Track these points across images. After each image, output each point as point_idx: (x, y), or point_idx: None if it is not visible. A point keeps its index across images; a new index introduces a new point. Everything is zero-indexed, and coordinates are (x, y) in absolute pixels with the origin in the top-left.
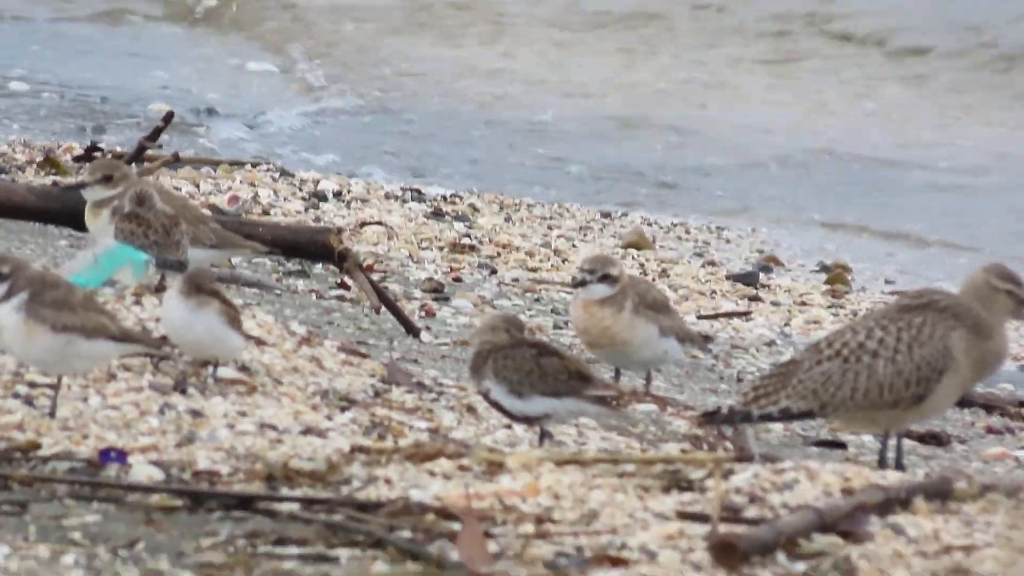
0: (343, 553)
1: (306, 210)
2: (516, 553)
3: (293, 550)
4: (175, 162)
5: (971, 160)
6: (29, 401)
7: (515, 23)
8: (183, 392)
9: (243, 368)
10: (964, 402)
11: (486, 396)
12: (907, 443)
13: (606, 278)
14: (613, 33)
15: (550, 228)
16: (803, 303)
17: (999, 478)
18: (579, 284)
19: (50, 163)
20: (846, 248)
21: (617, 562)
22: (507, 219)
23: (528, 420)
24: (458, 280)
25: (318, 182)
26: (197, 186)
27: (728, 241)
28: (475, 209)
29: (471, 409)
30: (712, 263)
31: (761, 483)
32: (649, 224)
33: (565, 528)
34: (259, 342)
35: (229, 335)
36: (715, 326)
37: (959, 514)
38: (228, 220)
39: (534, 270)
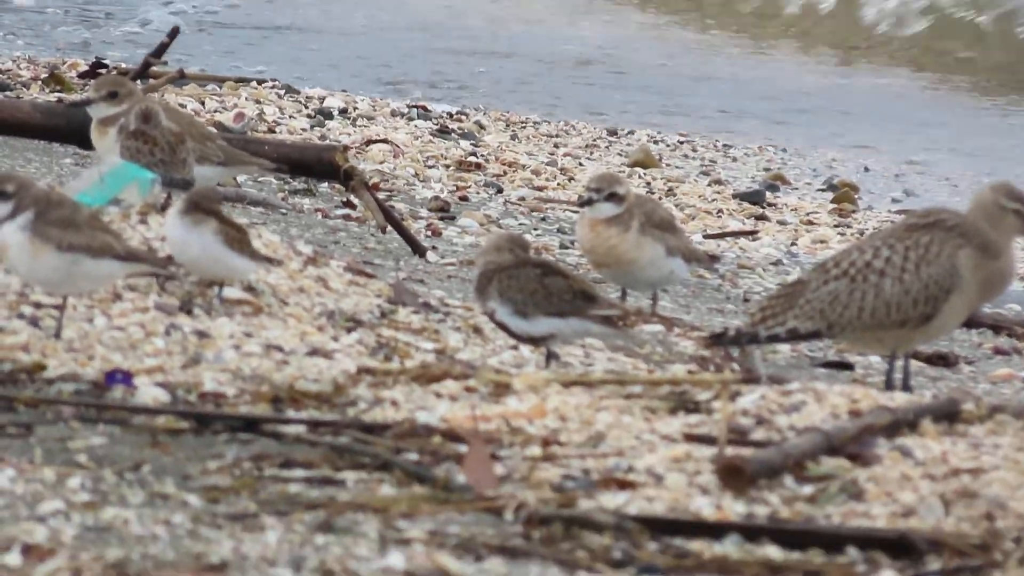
0: (349, 476)
1: (311, 128)
2: (523, 476)
3: (299, 472)
4: (180, 79)
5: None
6: (34, 322)
7: None
8: (189, 313)
9: (249, 288)
10: (971, 323)
11: (491, 316)
12: (914, 364)
13: (612, 196)
14: None
15: (556, 146)
16: (810, 222)
17: (1007, 399)
18: (585, 203)
19: (55, 80)
20: (853, 167)
21: (624, 485)
22: (513, 137)
23: (533, 340)
24: (464, 199)
25: (323, 99)
26: (202, 103)
27: (735, 159)
28: (481, 127)
29: (477, 330)
30: (719, 181)
31: (768, 405)
32: (656, 142)
33: (571, 450)
34: (274, 262)
35: (226, 255)
36: (721, 245)
37: (967, 436)
38: (234, 138)
39: (540, 189)
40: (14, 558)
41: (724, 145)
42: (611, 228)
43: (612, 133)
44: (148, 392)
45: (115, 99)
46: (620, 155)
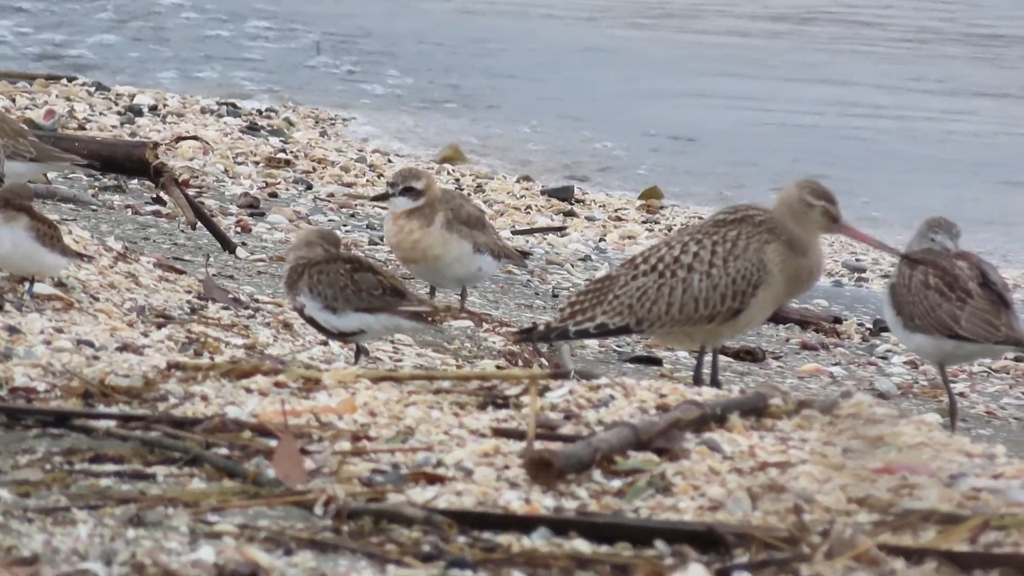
0: (160, 470)
1: (122, 124)
2: (332, 470)
3: (110, 467)
4: None
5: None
6: None
7: None
8: (0, 308)
9: (60, 284)
10: (779, 318)
11: (301, 312)
12: (722, 359)
13: (408, 191)
14: None
15: (365, 142)
16: (618, 218)
17: (814, 394)
18: (381, 197)
19: None
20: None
21: (433, 479)
22: (323, 133)
23: (343, 336)
24: (274, 195)
25: (134, 96)
26: (13, 100)
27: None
28: (291, 124)
29: (287, 326)
30: (527, 178)
31: (577, 400)
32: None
33: (381, 445)
34: (85, 258)
35: (38, 251)
36: (530, 241)
37: (774, 430)
38: (45, 135)
39: (350, 185)
40: None
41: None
42: (412, 222)
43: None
44: None
45: None
46: (429, 150)
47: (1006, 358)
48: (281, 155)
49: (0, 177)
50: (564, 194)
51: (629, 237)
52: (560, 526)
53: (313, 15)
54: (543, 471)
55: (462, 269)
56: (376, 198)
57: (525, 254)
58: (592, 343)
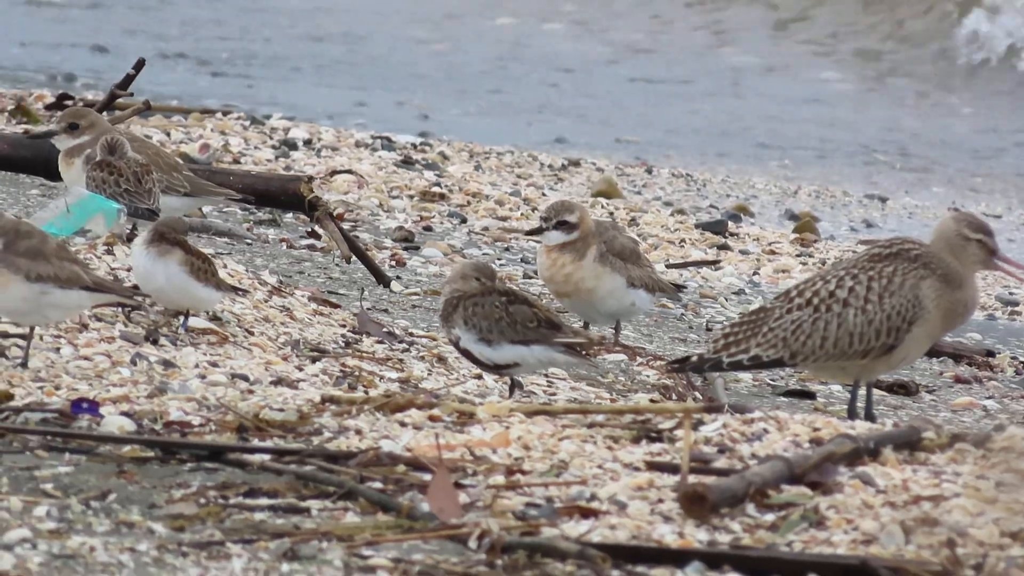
0: (314, 504)
1: (276, 158)
2: (486, 504)
3: (264, 501)
4: (146, 110)
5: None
6: (1, 352)
7: None
8: (155, 342)
9: (214, 318)
10: (932, 352)
11: (456, 344)
12: (876, 393)
13: (562, 225)
14: None
15: (519, 177)
16: (772, 252)
17: (967, 428)
18: (535, 231)
19: (21, 111)
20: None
21: (587, 513)
22: (477, 167)
23: (498, 368)
24: (428, 229)
25: (288, 130)
26: (168, 134)
27: (698, 190)
28: (445, 157)
29: (441, 359)
30: (681, 211)
31: (730, 433)
32: (620, 172)
33: (535, 479)
34: (240, 291)
35: (191, 285)
36: (684, 275)
37: (927, 464)
38: (199, 168)
39: (504, 219)
40: None
41: (687, 175)
42: (565, 255)
43: (574, 164)
44: (114, 421)
45: (76, 130)
46: (583, 184)
47: None
48: (435, 188)
49: (156, 211)
50: (718, 228)
51: (783, 271)
52: (714, 559)
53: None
54: (697, 505)
55: (615, 303)
56: (530, 232)
57: (679, 287)
58: (746, 376)
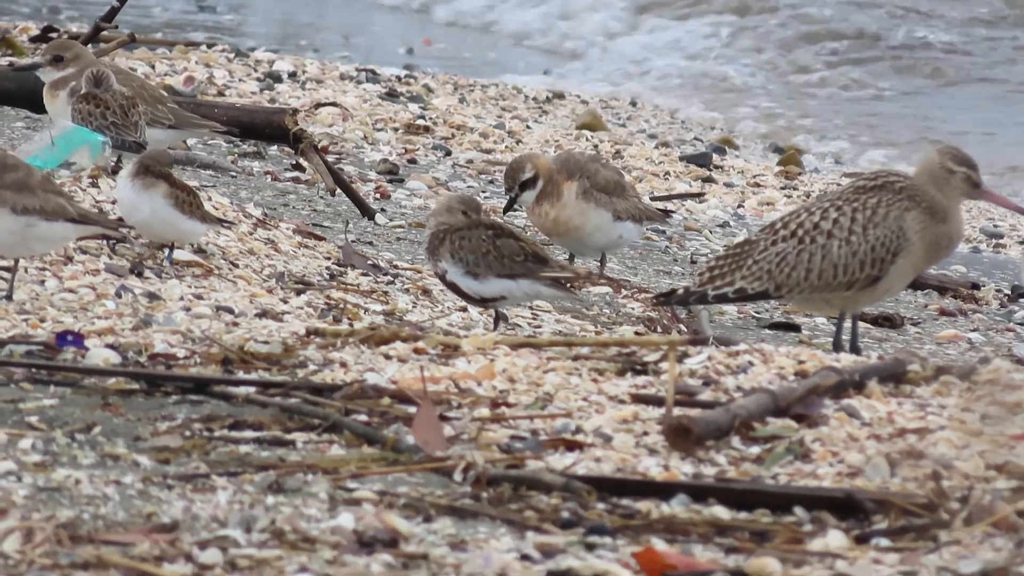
0: (299, 437)
1: (261, 91)
2: (471, 436)
3: (249, 434)
4: (131, 43)
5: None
6: None
7: None
8: (139, 275)
9: (199, 251)
10: (917, 284)
11: (442, 277)
12: (861, 326)
13: (525, 184)
14: None
15: (504, 110)
16: (756, 184)
17: (952, 360)
18: (509, 207)
19: (5, 43)
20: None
21: (572, 446)
22: (461, 100)
23: (484, 302)
24: (413, 162)
25: (272, 63)
26: (153, 67)
27: (683, 123)
28: (429, 90)
29: (426, 292)
30: (666, 144)
31: (715, 366)
32: (605, 105)
33: (520, 411)
34: (225, 224)
35: (176, 217)
36: (668, 207)
37: (913, 397)
38: (184, 101)
39: (488, 151)
40: None
41: (671, 109)
42: (543, 205)
43: (559, 96)
44: (99, 354)
45: (61, 63)
46: (568, 117)
47: None
48: (420, 121)
49: (143, 144)
50: (702, 160)
51: (768, 203)
52: (699, 492)
53: None
54: (682, 437)
55: (603, 237)
56: (506, 211)
57: (667, 212)
58: (731, 309)
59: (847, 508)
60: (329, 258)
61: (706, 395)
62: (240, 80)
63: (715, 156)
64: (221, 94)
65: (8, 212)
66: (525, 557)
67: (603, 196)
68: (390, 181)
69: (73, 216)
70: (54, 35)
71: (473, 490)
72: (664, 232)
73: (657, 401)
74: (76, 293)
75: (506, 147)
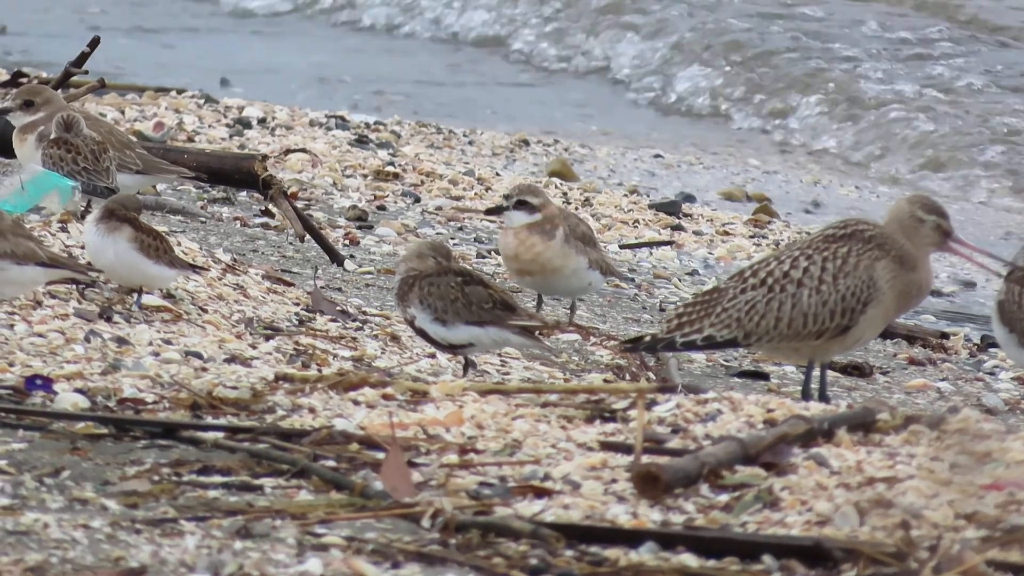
0: (267, 482)
1: (230, 137)
2: (440, 483)
3: (217, 478)
4: (101, 88)
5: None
6: None
7: None
8: (108, 319)
9: (168, 295)
10: (887, 333)
11: (411, 323)
12: (830, 374)
13: (523, 205)
14: None
15: (473, 156)
16: (726, 232)
17: (921, 409)
18: (494, 211)
19: None
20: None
21: (541, 492)
22: (431, 146)
23: (452, 348)
24: (382, 208)
25: (243, 108)
26: (122, 112)
27: (652, 174)
28: (398, 136)
29: (395, 338)
30: (635, 191)
31: (684, 414)
32: (569, 152)
33: (488, 458)
34: (196, 269)
35: (140, 262)
36: (637, 255)
37: (882, 445)
38: (153, 146)
39: (458, 198)
40: None
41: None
42: (534, 236)
43: (524, 143)
44: (68, 398)
45: (31, 108)
46: (537, 165)
47: None
48: (389, 168)
49: (114, 189)
50: (672, 208)
51: (738, 251)
52: (667, 540)
53: None
54: (650, 485)
55: (577, 282)
56: (490, 211)
57: (630, 271)
58: (699, 357)
59: (816, 557)
60: (298, 304)
61: (675, 443)
62: (210, 126)
63: (684, 204)
64: (191, 140)
65: None
66: None
67: (580, 244)
68: (359, 227)
69: (43, 260)
70: (24, 80)
71: (441, 536)
72: (633, 280)
73: (626, 448)
74: (45, 337)
75: (475, 194)
